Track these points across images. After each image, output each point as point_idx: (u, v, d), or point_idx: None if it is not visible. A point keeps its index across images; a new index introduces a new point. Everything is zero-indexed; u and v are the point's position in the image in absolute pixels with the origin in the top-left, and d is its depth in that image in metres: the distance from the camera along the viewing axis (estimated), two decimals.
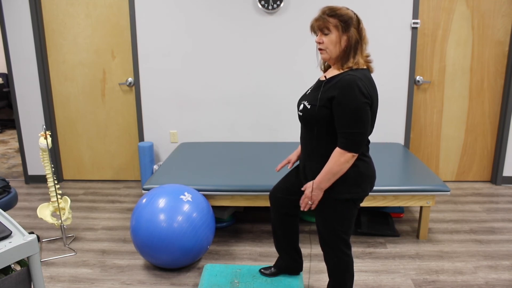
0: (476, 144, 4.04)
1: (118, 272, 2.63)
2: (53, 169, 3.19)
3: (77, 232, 3.17)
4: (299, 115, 1.91)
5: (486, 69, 3.85)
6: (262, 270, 2.45)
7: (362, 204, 2.90)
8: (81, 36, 3.90)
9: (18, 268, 1.57)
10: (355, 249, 2.88)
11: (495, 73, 3.86)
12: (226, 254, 2.83)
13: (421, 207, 2.96)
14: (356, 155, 1.76)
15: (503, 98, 3.88)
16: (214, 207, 3.23)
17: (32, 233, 3.09)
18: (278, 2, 3.66)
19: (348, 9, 1.80)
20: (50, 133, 4.01)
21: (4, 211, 2.77)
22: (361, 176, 1.84)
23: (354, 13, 1.80)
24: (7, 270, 1.51)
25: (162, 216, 2.43)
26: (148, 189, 2.87)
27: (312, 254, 2.83)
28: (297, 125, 3.98)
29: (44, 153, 2.79)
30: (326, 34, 1.79)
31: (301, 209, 1.92)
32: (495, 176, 4.03)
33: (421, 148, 4.08)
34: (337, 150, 1.77)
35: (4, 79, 6.62)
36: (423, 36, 3.79)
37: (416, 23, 3.69)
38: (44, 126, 2.82)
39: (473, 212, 3.45)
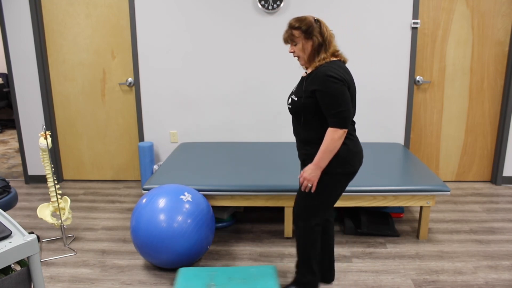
0: (476, 144, 4.04)
1: (118, 272, 2.63)
2: (53, 169, 3.19)
3: (77, 232, 3.17)
4: (289, 108, 2.15)
5: (486, 69, 3.85)
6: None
7: (362, 204, 2.90)
8: (81, 36, 3.90)
9: (18, 268, 1.57)
10: (355, 249, 2.88)
11: (495, 73, 3.86)
12: (226, 254, 2.83)
13: (421, 207, 2.96)
14: (346, 131, 1.99)
15: (503, 98, 3.88)
16: (214, 207, 3.23)
17: (32, 233, 3.09)
18: (278, 2, 3.66)
19: (309, 17, 2.03)
20: (50, 133, 4.01)
21: (4, 211, 2.77)
22: (350, 152, 2.07)
23: (315, 19, 2.03)
24: (7, 270, 1.51)
25: (162, 216, 2.43)
26: (148, 189, 2.87)
27: None
28: None
29: (44, 153, 2.79)
30: (295, 45, 2.07)
31: (302, 189, 2.11)
32: (495, 176, 4.03)
33: (421, 148, 4.08)
34: (330, 129, 1.99)
35: (4, 79, 6.62)
36: (423, 36, 3.79)
37: (416, 23, 3.69)
38: (44, 126, 2.82)
39: (473, 212, 3.45)
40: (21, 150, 4.13)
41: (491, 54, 3.81)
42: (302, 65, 2.12)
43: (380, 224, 3.10)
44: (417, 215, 3.41)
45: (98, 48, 3.92)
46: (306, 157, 2.15)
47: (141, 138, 4.08)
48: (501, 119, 3.93)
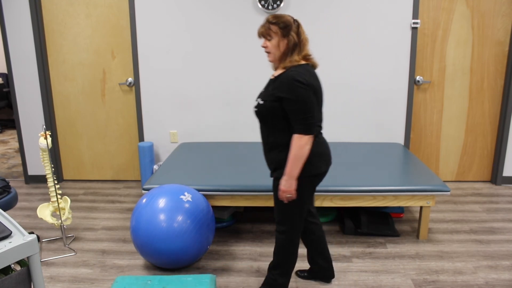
0: (476, 144, 4.04)
1: (118, 272, 2.63)
2: (53, 169, 3.19)
3: (77, 232, 3.17)
4: (254, 111, 2.10)
5: (486, 69, 3.85)
6: (298, 272, 2.60)
7: (362, 204, 2.90)
8: (81, 36, 3.90)
9: (18, 268, 1.57)
10: (355, 249, 2.88)
11: (495, 73, 3.86)
12: (226, 254, 2.83)
13: (421, 207, 2.96)
14: (311, 136, 1.97)
15: (503, 98, 3.89)
16: (214, 207, 3.23)
17: (32, 233, 3.09)
18: (278, 2, 3.66)
19: (288, 16, 2.02)
20: (50, 133, 4.01)
21: (4, 211, 2.77)
22: (312, 154, 2.03)
23: (294, 19, 2.02)
24: (7, 270, 1.51)
25: (162, 216, 2.43)
26: (148, 189, 2.87)
27: None
28: None
29: (44, 153, 2.79)
30: (269, 40, 2.03)
31: (282, 200, 2.09)
32: (495, 176, 4.03)
33: (421, 148, 4.08)
34: (295, 136, 1.97)
35: (4, 79, 6.62)
36: (423, 36, 3.79)
37: (416, 23, 3.69)
38: (44, 126, 2.82)
39: (473, 212, 3.45)
40: (21, 150, 4.13)
41: (491, 54, 3.81)
42: (271, 61, 2.08)
43: (380, 224, 3.10)
44: (417, 215, 3.41)
45: (98, 48, 3.92)
46: (271, 162, 2.12)
47: (141, 138, 4.08)
48: (501, 119, 3.93)
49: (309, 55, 2.06)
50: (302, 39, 2.02)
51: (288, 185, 2.01)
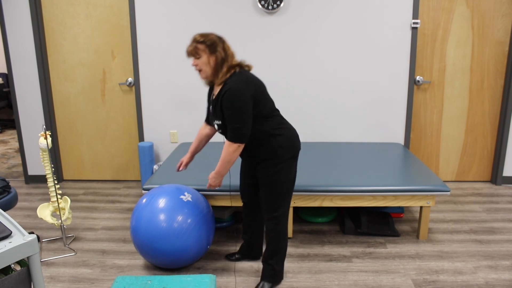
0: (476, 144, 4.04)
1: (118, 272, 2.63)
2: (53, 169, 3.19)
3: (77, 232, 3.17)
4: (219, 132, 2.30)
5: (486, 69, 3.85)
6: (228, 256, 2.77)
7: (362, 204, 2.90)
8: (81, 36, 3.90)
9: (18, 268, 1.57)
10: (355, 249, 2.88)
11: (495, 73, 3.86)
12: (226, 254, 2.83)
13: (421, 207, 2.96)
14: (241, 145, 2.15)
15: (503, 98, 3.89)
16: (214, 207, 3.23)
17: (32, 233, 3.09)
18: (278, 2, 3.66)
19: (213, 34, 2.17)
20: (50, 133, 4.01)
21: (4, 211, 2.77)
22: (289, 138, 2.26)
23: (218, 36, 2.17)
24: (7, 270, 1.51)
25: (162, 216, 2.43)
26: (148, 189, 2.87)
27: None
28: (296, 124, 3.98)
29: (44, 153, 2.79)
30: (198, 58, 2.17)
31: (207, 188, 2.39)
32: (495, 176, 4.03)
33: (421, 148, 4.08)
34: (226, 142, 2.17)
35: (4, 79, 6.62)
36: (423, 36, 3.79)
37: (416, 23, 3.69)
38: (44, 126, 2.82)
39: (473, 212, 3.45)
40: (21, 150, 4.13)
41: (491, 54, 3.81)
42: (203, 78, 2.21)
43: (380, 224, 3.10)
44: (417, 215, 3.41)
45: (98, 48, 3.92)
46: (256, 158, 2.28)
47: (141, 138, 4.08)
48: (501, 119, 3.93)
49: (239, 63, 2.19)
50: (228, 54, 2.17)
51: (218, 181, 2.30)
